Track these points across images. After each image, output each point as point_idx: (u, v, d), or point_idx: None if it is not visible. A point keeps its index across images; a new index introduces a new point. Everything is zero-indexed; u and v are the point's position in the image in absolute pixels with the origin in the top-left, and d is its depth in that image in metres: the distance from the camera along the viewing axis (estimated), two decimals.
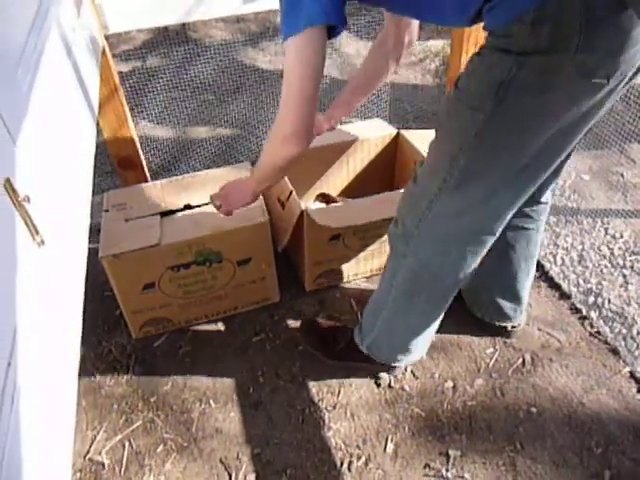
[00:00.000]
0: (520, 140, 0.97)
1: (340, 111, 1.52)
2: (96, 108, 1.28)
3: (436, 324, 1.37)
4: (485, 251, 1.18)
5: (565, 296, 1.69)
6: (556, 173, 1.28)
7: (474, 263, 1.20)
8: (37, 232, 0.65)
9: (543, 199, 1.34)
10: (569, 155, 1.24)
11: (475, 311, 1.57)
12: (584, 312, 1.63)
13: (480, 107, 0.94)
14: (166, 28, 3.07)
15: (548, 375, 1.48)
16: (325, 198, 1.84)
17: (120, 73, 1.87)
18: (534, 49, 0.85)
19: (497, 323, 1.55)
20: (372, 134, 1.86)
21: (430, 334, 1.39)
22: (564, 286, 1.72)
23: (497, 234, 1.15)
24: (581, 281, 1.73)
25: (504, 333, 1.56)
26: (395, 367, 1.47)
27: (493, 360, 1.53)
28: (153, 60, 2.77)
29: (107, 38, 1.66)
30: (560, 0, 0.81)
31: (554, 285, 1.73)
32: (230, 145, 2.38)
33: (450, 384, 1.48)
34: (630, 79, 0.96)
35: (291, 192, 1.61)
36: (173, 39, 2.59)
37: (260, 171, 1.19)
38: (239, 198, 1.29)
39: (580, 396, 1.43)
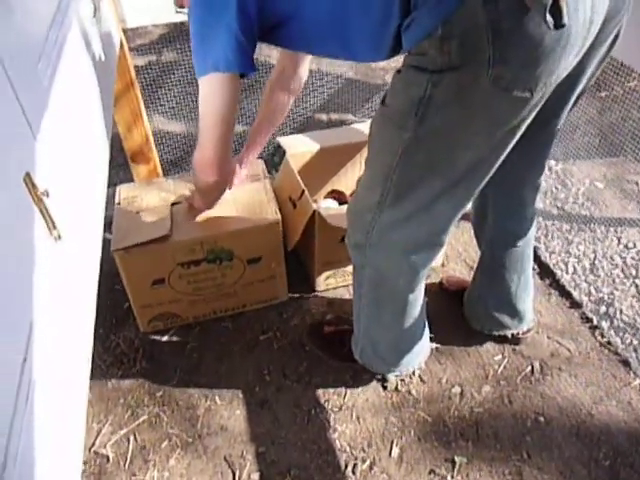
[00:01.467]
0: (448, 156, 0.96)
1: (252, 153, 1.61)
2: (112, 102, 1.28)
3: (417, 337, 1.37)
4: (433, 261, 1.19)
5: (576, 305, 1.68)
6: (535, 187, 1.29)
7: (424, 272, 1.21)
8: (54, 227, 0.65)
9: (528, 214, 1.33)
10: (541, 165, 1.25)
11: (474, 324, 1.57)
12: (595, 322, 1.62)
13: (404, 125, 0.93)
14: (182, 23, 3.07)
15: (557, 384, 1.47)
16: (337, 195, 1.83)
17: (135, 67, 1.87)
18: (447, 66, 0.83)
19: (496, 333, 1.54)
20: None
21: (416, 347, 1.38)
22: (575, 295, 1.70)
23: (444, 244, 1.16)
24: (592, 290, 1.71)
25: (513, 340, 1.55)
26: (386, 381, 1.48)
27: (501, 367, 1.52)
28: (168, 55, 2.77)
29: (124, 31, 1.67)
30: (464, 14, 0.78)
31: (565, 293, 1.72)
32: (242, 141, 2.37)
33: (457, 390, 1.47)
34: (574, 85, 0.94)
35: (303, 191, 1.60)
36: (189, 34, 2.57)
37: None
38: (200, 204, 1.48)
39: (589, 407, 1.41)
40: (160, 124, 2.44)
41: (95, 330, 1.62)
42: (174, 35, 2.83)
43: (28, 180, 0.60)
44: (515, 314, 1.48)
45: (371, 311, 1.30)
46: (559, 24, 0.75)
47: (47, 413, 0.55)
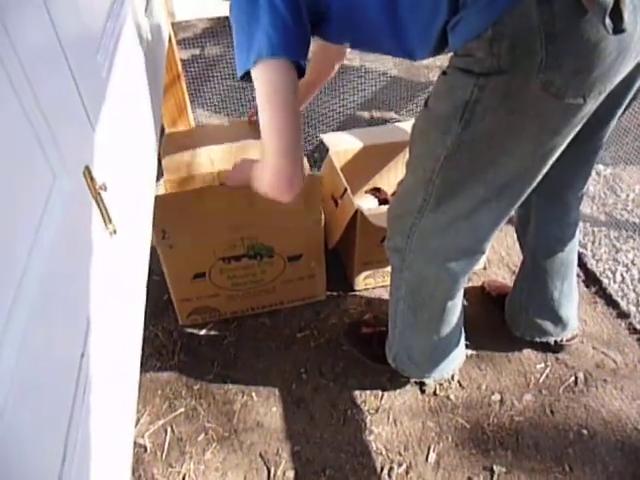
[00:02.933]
0: (492, 164, 0.92)
1: None
2: (161, 96, 1.29)
3: (453, 345, 1.34)
4: (473, 268, 1.16)
5: (623, 315, 1.62)
6: (580, 192, 1.24)
7: (464, 280, 1.18)
8: (110, 221, 0.65)
9: (572, 220, 1.29)
10: (588, 171, 1.20)
11: (515, 330, 1.53)
12: None
13: (447, 130, 0.89)
14: (227, 17, 3.08)
15: (601, 397, 1.42)
16: (377, 193, 1.81)
17: (180, 61, 1.88)
18: (495, 69, 0.79)
19: (538, 339, 1.50)
20: None
21: (452, 354, 1.35)
22: (622, 304, 1.64)
23: (485, 251, 1.12)
24: None
25: (555, 348, 1.51)
26: (424, 384, 1.45)
27: (543, 376, 1.48)
28: (212, 49, 2.78)
29: (172, 25, 1.68)
30: (517, 14, 0.74)
31: (612, 303, 1.66)
32: None
33: (497, 397, 1.44)
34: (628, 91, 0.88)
35: (345, 190, 1.59)
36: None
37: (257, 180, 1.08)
38: (240, 178, 1.21)
39: (635, 422, 1.36)
40: (203, 118, 2.46)
41: None
42: (218, 29, 2.84)
43: (87, 174, 0.60)
44: (558, 321, 1.44)
45: (407, 316, 1.27)
46: (619, 29, 0.71)
47: (102, 407, 0.55)
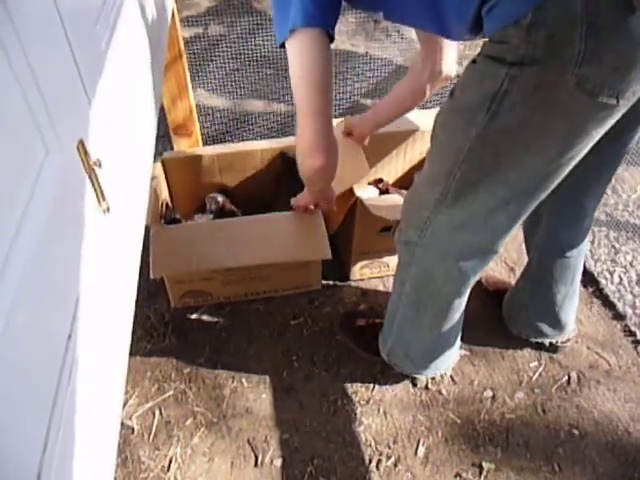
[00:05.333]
0: (516, 161, 0.89)
1: (367, 129, 1.55)
2: (162, 72, 1.25)
3: (451, 343, 1.32)
4: (485, 268, 1.13)
5: (619, 316, 1.61)
6: (598, 197, 1.21)
7: (474, 279, 1.15)
8: (104, 198, 0.63)
9: (586, 225, 1.26)
10: (609, 177, 1.17)
11: (511, 328, 1.51)
12: (638, 336, 1.55)
13: (472, 121, 0.86)
14: None
15: (594, 397, 1.41)
16: (378, 184, 1.78)
17: (183, 39, 1.84)
18: (529, 58, 0.76)
19: (534, 340, 1.49)
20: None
21: (449, 352, 1.33)
22: (619, 306, 1.63)
23: (499, 251, 1.08)
24: (638, 303, 1.64)
25: (550, 348, 1.50)
26: (415, 378, 1.43)
27: (537, 374, 1.47)
28: (215, 28, 2.73)
29: (176, 2, 1.63)
30: (561, 1, 0.71)
31: (608, 304, 1.65)
32: (285, 122, 2.34)
33: (489, 393, 1.43)
34: None
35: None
36: (237, 8, 2.54)
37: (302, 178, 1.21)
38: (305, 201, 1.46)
39: (626, 424, 1.36)
40: (203, 98, 2.42)
41: None
42: (222, 8, 2.79)
43: (81, 148, 0.58)
44: (557, 324, 1.43)
45: (409, 312, 1.25)
46: None
47: (88, 390, 0.53)
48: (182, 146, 1.87)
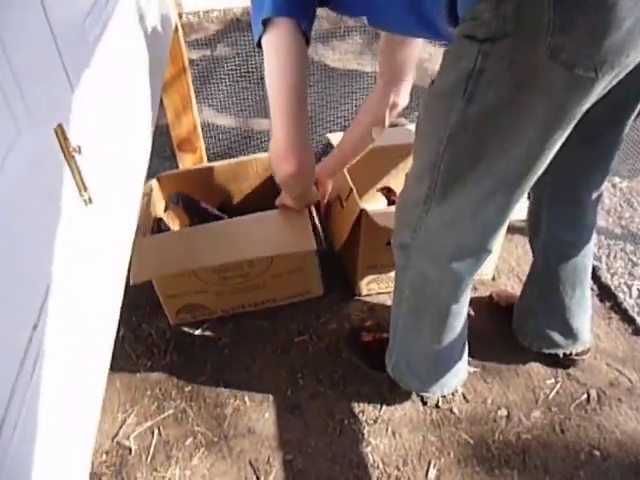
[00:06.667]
0: (498, 146, 0.84)
1: (331, 170, 1.55)
2: (163, 73, 1.23)
3: (456, 356, 1.26)
4: (479, 268, 1.08)
5: (639, 332, 1.54)
6: (597, 192, 1.15)
7: (469, 281, 1.10)
8: (85, 188, 0.59)
9: (588, 222, 1.21)
10: (606, 168, 1.10)
11: (521, 339, 1.44)
12: None
13: (451, 107, 0.82)
14: (238, 19, 3.06)
15: (615, 417, 1.34)
16: (388, 193, 1.75)
17: (189, 60, 1.84)
18: (501, 33, 0.72)
19: (546, 351, 1.41)
20: None
21: (454, 368, 1.27)
22: (639, 321, 1.56)
23: (492, 250, 1.04)
24: None
25: (565, 361, 1.42)
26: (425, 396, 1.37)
27: (554, 392, 1.39)
28: (222, 50, 2.75)
29: (181, 21, 1.63)
30: None
31: (627, 319, 1.58)
32: None
33: (504, 412, 1.36)
34: None
35: (351, 190, 1.53)
36: (244, 30, 2.56)
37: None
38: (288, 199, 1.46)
39: None
40: (209, 117, 2.42)
41: (128, 318, 1.60)
42: (229, 30, 2.82)
43: (60, 132, 0.55)
44: (568, 332, 1.36)
45: (410, 319, 1.20)
46: None
47: (57, 391, 0.49)
48: (187, 163, 1.85)
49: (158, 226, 1.61)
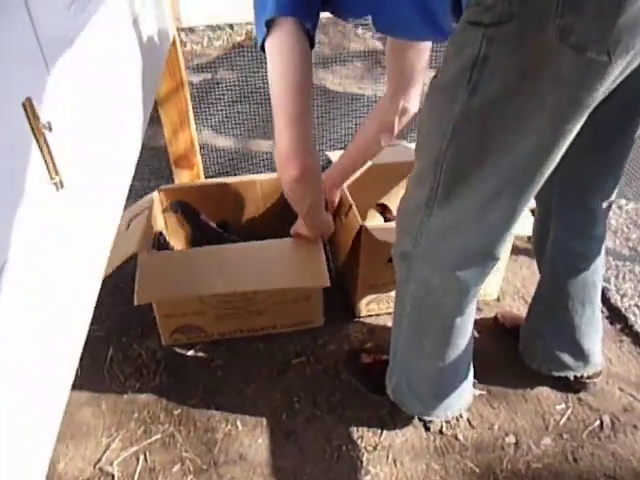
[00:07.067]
0: (504, 139, 0.79)
1: (337, 179, 1.51)
2: (155, 78, 1.20)
3: (461, 377, 1.20)
4: (485, 277, 1.01)
5: None
6: (607, 200, 1.10)
7: (476, 292, 1.03)
8: (56, 172, 0.55)
9: (598, 233, 1.15)
10: (617, 174, 1.06)
11: (529, 362, 1.37)
12: None
13: (455, 97, 0.78)
14: (240, 45, 3.08)
15: (631, 444, 1.26)
16: (382, 210, 1.71)
17: (190, 83, 1.83)
18: (507, 16, 0.68)
19: (556, 374, 1.34)
20: None
21: (458, 390, 1.20)
22: None
23: (499, 257, 0.98)
24: None
25: (576, 385, 1.35)
26: (429, 421, 1.29)
27: (564, 418, 1.31)
28: (223, 73, 2.76)
29: (179, 31, 1.62)
30: None
31: (639, 341, 1.51)
32: None
33: (512, 439, 1.28)
34: None
35: (350, 206, 1.49)
36: (245, 53, 2.56)
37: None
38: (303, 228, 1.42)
39: None
40: (209, 138, 2.40)
41: (118, 338, 1.53)
42: (230, 56, 2.83)
43: (28, 106, 0.50)
44: (579, 353, 1.29)
45: (411, 336, 1.14)
46: None
47: (18, 369, 0.43)
48: (183, 179, 1.82)
49: (158, 240, 1.56)
